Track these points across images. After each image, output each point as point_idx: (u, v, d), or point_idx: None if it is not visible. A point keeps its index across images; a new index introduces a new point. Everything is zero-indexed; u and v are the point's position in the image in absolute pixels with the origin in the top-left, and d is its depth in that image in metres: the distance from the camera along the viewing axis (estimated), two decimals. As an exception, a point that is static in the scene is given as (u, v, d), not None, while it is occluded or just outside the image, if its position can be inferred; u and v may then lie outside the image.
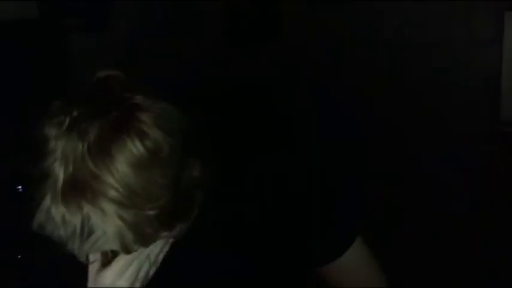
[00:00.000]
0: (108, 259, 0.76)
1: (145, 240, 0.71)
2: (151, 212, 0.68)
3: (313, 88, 2.65)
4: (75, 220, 0.66)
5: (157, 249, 0.77)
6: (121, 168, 0.65)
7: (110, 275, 0.75)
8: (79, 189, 0.66)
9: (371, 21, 2.59)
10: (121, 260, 0.75)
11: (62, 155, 0.66)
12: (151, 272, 0.78)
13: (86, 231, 0.67)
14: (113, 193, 0.65)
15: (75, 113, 0.67)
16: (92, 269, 0.77)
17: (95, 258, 0.75)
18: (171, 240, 0.78)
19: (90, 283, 0.77)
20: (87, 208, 0.66)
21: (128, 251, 0.71)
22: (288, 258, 0.92)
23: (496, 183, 2.21)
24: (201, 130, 0.74)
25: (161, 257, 0.78)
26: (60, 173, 0.66)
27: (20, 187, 1.70)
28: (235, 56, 2.78)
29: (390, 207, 2.39)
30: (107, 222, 0.66)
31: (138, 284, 0.76)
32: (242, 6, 2.83)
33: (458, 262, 2.23)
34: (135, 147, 0.66)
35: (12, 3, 2.18)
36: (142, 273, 0.77)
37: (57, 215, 0.67)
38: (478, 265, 2.16)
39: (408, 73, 2.52)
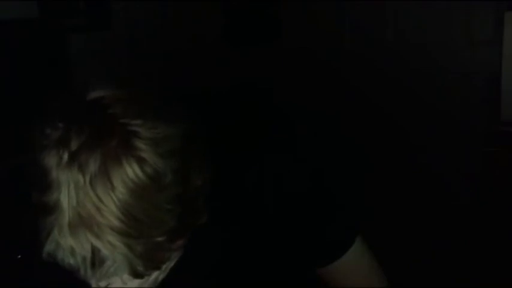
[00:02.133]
0: None
1: (157, 264, 0.71)
2: (160, 239, 0.68)
3: (313, 88, 2.65)
4: (85, 252, 0.66)
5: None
6: (123, 198, 0.65)
7: (118, 280, 0.75)
8: (85, 222, 0.65)
9: (371, 21, 2.60)
10: None
11: (64, 189, 0.66)
12: (160, 278, 0.78)
13: (97, 262, 0.67)
14: (118, 224, 0.65)
15: (74, 146, 0.66)
16: None
17: (106, 285, 0.74)
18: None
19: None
20: (95, 242, 0.65)
21: (141, 277, 0.70)
22: (288, 258, 0.92)
23: (496, 183, 2.21)
24: (203, 129, 0.73)
25: (171, 265, 0.78)
26: (64, 207, 0.66)
27: (20, 187, 1.70)
28: (235, 57, 2.79)
29: (390, 207, 2.39)
30: (116, 253, 0.66)
31: (146, 285, 0.77)
32: (242, 7, 2.83)
33: (458, 262, 2.23)
34: (136, 176, 0.65)
35: (12, 3, 2.18)
36: (151, 279, 0.77)
37: (66, 248, 0.66)
38: (478, 265, 2.16)
39: (408, 73, 2.52)
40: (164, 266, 0.76)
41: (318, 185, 0.91)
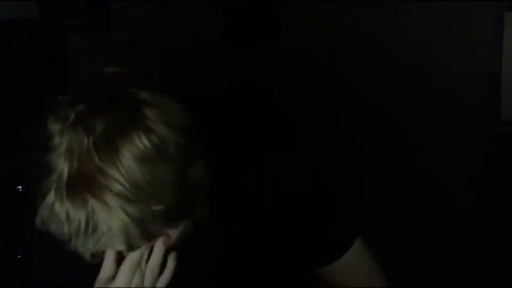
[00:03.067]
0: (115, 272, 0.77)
1: (150, 237, 0.71)
2: (157, 208, 0.68)
3: (313, 88, 2.65)
4: (80, 215, 0.66)
5: (156, 260, 0.77)
6: (127, 163, 0.65)
7: (120, 283, 0.76)
8: (84, 183, 0.65)
9: (371, 21, 2.60)
10: (124, 270, 0.76)
11: (67, 150, 0.66)
12: (162, 284, 0.78)
13: (91, 227, 0.66)
14: (118, 187, 0.65)
15: (81, 108, 0.67)
16: (103, 276, 0.77)
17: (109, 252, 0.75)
18: (174, 254, 0.78)
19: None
20: (92, 203, 0.65)
21: (132, 247, 0.71)
22: (288, 258, 0.92)
23: (496, 183, 2.21)
24: (203, 129, 0.74)
25: (171, 269, 0.78)
26: (65, 167, 0.66)
27: (20, 187, 1.70)
28: (235, 57, 2.79)
29: (390, 207, 2.39)
30: (112, 217, 0.66)
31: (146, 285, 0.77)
32: (242, 7, 2.83)
33: (458, 262, 2.23)
34: (141, 143, 0.66)
35: (12, 3, 2.18)
36: (147, 282, 0.77)
37: (61, 211, 0.66)
38: (478, 265, 2.16)
39: (408, 73, 2.52)
40: (156, 269, 0.76)
41: (318, 185, 0.91)
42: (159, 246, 0.76)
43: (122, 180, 0.65)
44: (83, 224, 0.66)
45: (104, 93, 0.69)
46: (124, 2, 2.63)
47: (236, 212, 0.87)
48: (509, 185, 2.16)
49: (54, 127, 0.68)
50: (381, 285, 0.98)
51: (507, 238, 2.16)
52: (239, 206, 0.87)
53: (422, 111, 2.49)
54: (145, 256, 0.76)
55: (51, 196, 0.67)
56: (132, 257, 0.76)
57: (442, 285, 2.20)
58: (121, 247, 0.70)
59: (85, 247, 0.69)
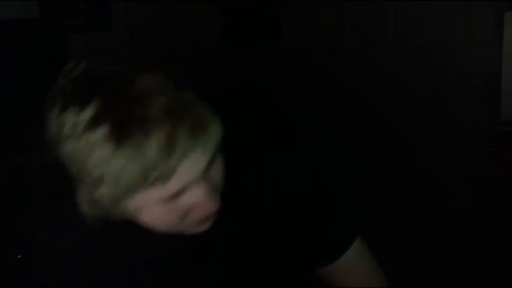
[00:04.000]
0: None
1: (213, 160, 0.74)
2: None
3: (313, 88, 2.65)
4: (158, 139, 0.68)
5: None
6: (163, 105, 0.73)
7: None
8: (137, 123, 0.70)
9: (371, 21, 2.60)
10: None
11: (105, 107, 0.72)
12: None
13: (171, 143, 0.69)
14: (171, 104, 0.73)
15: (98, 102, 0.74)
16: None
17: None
18: None
19: None
20: (164, 126, 0.70)
21: (212, 161, 0.73)
22: (288, 258, 0.92)
23: (496, 183, 2.21)
24: None
25: None
26: (113, 117, 0.71)
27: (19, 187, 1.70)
28: (235, 57, 2.79)
29: (390, 207, 2.39)
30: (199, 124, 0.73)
31: None
32: (242, 7, 2.83)
33: (458, 262, 2.23)
34: (165, 102, 0.74)
35: (12, 3, 2.18)
36: None
37: (130, 146, 0.68)
38: (478, 265, 2.16)
39: (408, 73, 2.52)
40: None
41: (318, 185, 0.91)
42: None
43: (169, 100, 0.73)
44: (162, 144, 0.68)
45: (113, 78, 0.79)
46: (124, 2, 2.63)
47: (236, 211, 0.87)
48: (509, 185, 2.16)
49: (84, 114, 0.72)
50: (381, 285, 0.98)
51: (507, 238, 2.16)
52: (239, 205, 0.87)
53: (422, 111, 2.49)
54: None
55: (106, 147, 0.68)
56: None
57: (442, 285, 2.20)
58: (206, 157, 0.72)
59: (165, 167, 0.69)
